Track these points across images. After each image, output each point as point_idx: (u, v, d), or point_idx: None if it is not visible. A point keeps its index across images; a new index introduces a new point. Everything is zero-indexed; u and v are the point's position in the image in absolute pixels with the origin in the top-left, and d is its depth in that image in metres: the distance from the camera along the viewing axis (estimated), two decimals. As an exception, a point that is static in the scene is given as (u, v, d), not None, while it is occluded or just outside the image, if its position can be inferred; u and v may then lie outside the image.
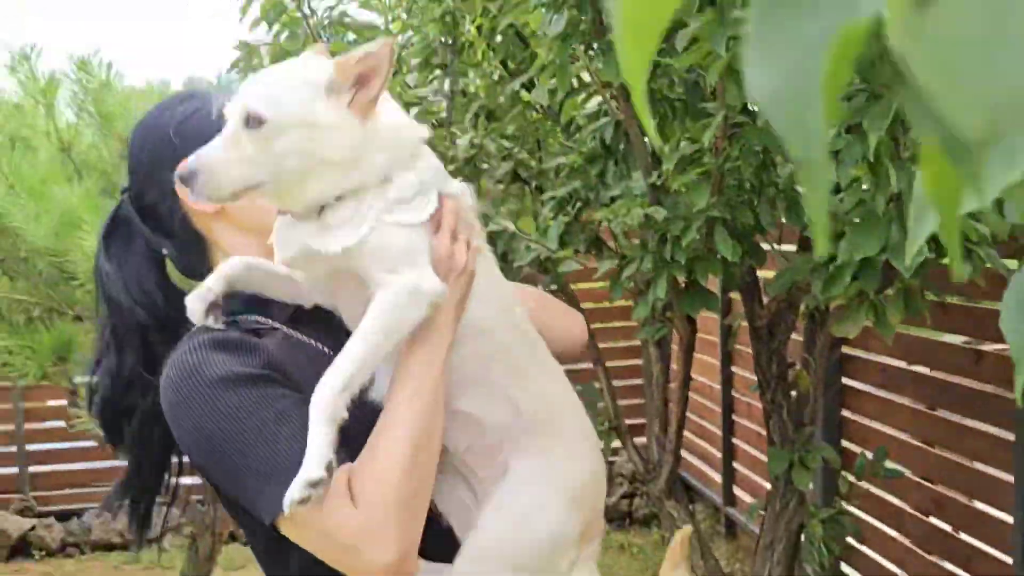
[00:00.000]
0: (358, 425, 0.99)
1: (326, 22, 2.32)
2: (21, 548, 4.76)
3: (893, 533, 3.13)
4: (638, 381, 5.11)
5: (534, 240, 2.14)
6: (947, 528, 2.87)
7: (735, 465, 4.55)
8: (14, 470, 4.93)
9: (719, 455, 4.63)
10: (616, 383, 2.81)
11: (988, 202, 0.29)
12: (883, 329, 1.75)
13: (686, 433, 3.57)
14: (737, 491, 4.55)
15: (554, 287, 2.77)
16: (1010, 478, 2.54)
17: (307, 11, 2.15)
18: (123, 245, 1.21)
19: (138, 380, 1.19)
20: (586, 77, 2.38)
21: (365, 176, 1.00)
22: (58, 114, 2.66)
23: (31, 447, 4.96)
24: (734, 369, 4.47)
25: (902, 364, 3.10)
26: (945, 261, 1.67)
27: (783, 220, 2.04)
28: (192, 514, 3.19)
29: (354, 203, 1.00)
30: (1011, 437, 2.53)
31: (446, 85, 2.72)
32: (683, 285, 2.11)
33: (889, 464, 2.74)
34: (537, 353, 1.14)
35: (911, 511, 3.03)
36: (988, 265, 1.71)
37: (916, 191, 0.39)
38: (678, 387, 2.44)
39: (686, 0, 1.41)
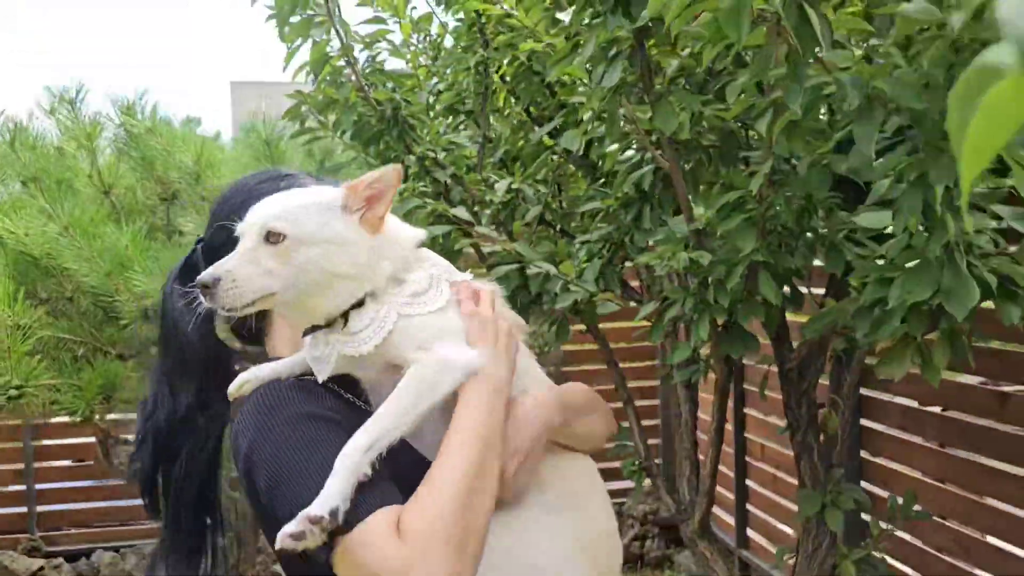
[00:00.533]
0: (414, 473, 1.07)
1: (367, 71, 2.39)
2: (30, 589, 4.71)
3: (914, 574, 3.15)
4: (654, 421, 5.14)
5: (574, 283, 2.18)
6: (970, 569, 2.88)
7: (748, 507, 4.55)
8: (23, 509, 4.89)
9: (732, 497, 4.64)
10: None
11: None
12: (929, 372, 1.79)
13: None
14: (751, 533, 4.54)
15: (582, 328, 2.82)
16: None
17: (351, 60, 2.22)
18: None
19: (192, 419, 1.25)
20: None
21: (376, 284, 1.13)
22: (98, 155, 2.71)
23: (40, 486, 4.93)
24: (747, 411, 4.50)
25: (915, 403, 3.14)
26: (986, 305, 1.72)
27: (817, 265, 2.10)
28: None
29: (375, 306, 1.13)
30: (1038, 478, 2.57)
31: (474, 131, 2.79)
32: (723, 327, 2.15)
33: (916, 507, 2.77)
34: None
35: (934, 552, 3.05)
36: None
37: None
38: (713, 428, 2.46)
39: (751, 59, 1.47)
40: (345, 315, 1.13)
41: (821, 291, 2.44)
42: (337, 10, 2.17)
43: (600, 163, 2.98)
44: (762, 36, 1.40)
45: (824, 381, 2.69)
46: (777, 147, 1.78)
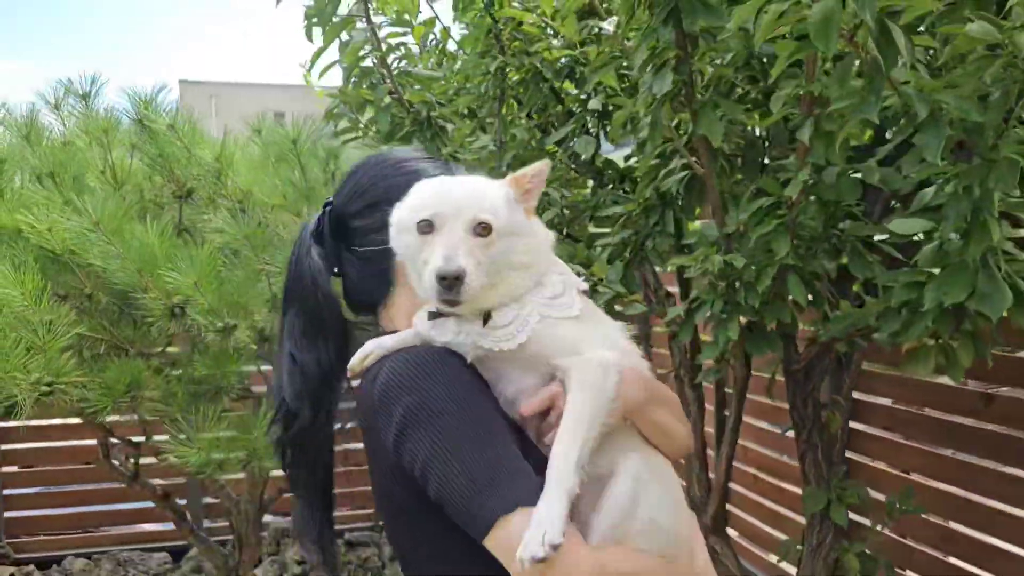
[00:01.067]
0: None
1: (396, 74, 2.42)
2: (-2, 597, 4.58)
3: (906, 572, 3.27)
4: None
5: (604, 284, 2.24)
6: (960, 564, 3.02)
7: (728, 507, 4.66)
8: (-10, 516, 4.75)
9: (711, 498, 4.74)
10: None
11: None
12: (953, 370, 1.89)
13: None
14: (731, 532, 4.65)
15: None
16: (1022, 513, 2.72)
17: (385, 63, 2.25)
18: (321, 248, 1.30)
19: (332, 376, 1.24)
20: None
21: (534, 279, 1.16)
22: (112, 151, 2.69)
23: (8, 491, 4.80)
24: (727, 413, 4.60)
25: (902, 405, 3.28)
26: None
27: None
28: (214, 557, 3.15)
29: (517, 305, 1.15)
30: (1023, 474, 2.71)
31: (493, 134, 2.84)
32: (747, 328, 2.23)
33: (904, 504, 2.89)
34: None
35: (922, 548, 3.18)
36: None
37: None
38: (730, 427, 2.55)
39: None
40: (488, 313, 1.14)
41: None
42: (371, 14, 2.20)
43: (606, 169, 3.06)
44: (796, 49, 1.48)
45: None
46: (812, 155, 1.86)
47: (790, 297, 2.10)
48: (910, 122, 1.40)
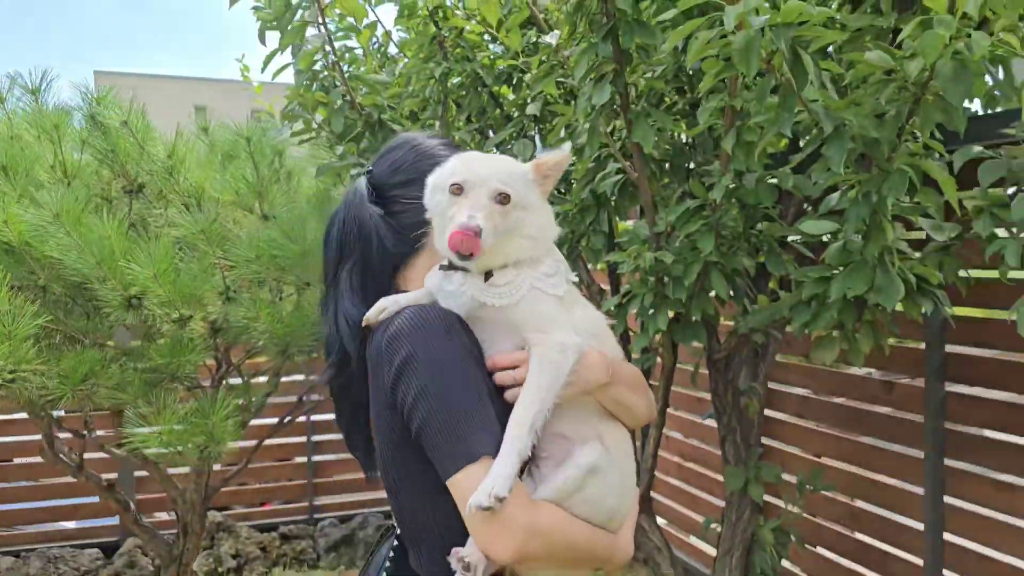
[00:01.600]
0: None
1: (348, 77, 2.54)
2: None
3: (816, 547, 3.54)
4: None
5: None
6: (864, 538, 3.30)
7: (652, 495, 4.90)
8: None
9: (637, 486, 4.97)
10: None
11: None
12: (855, 356, 2.12)
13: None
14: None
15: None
16: (920, 490, 3.00)
17: (339, 67, 2.37)
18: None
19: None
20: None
21: (538, 250, 1.33)
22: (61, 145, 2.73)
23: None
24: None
25: (807, 393, 3.55)
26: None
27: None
28: (159, 547, 3.21)
29: (514, 271, 1.32)
30: (920, 455, 2.99)
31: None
32: (675, 319, 2.43)
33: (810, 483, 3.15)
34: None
35: (829, 525, 3.46)
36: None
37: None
38: (657, 409, 2.74)
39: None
40: (489, 273, 1.30)
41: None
42: (325, 20, 2.31)
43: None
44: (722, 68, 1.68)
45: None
46: (734, 163, 2.07)
47: (713, 292, 2.31)
48: (818, 135, 1.60)
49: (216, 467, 3.38)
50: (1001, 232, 1.79)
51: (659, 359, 2.71)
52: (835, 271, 2.03)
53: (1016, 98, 1.80)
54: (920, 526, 3.00)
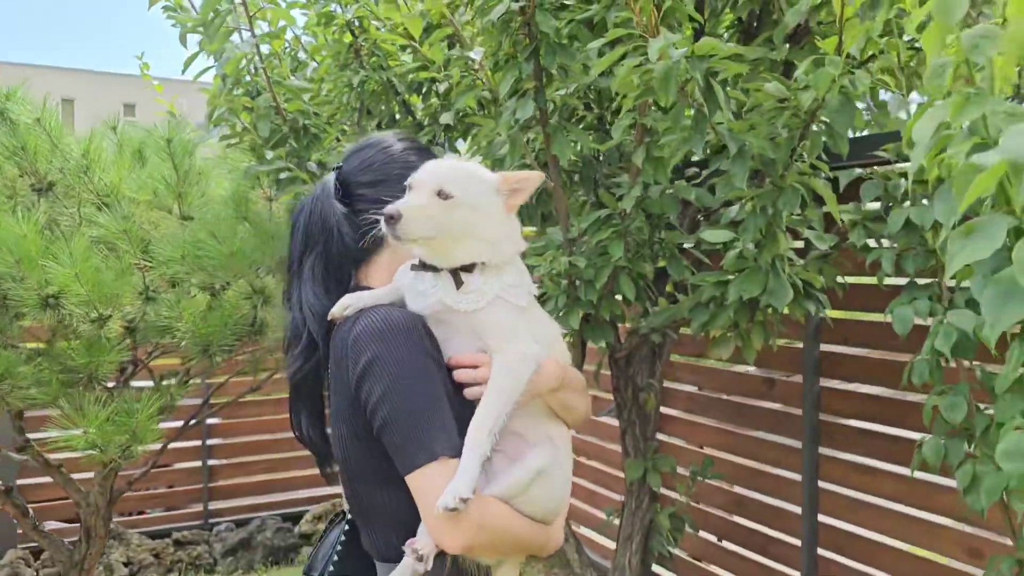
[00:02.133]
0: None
1: (272, 82, 2.59)
2: None
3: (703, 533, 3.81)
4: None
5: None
6: (747, 523, 3.57)
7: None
8: None
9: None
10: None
11: None
12: (748, 352, 2.35)
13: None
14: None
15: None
16: (798, 477, 3.29)
17: (266, 72, 2.42)
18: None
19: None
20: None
21: (496, 256, 1.44)
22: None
23: None
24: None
25: (693, 389, 3.82)
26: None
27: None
28: (60, 553, 3.14)
29: (481, 278, 1.43)
30: (798, 445, 3.29)
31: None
32: (585, 319, 2.61)
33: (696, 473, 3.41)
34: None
35: (714, 511, 3.72)
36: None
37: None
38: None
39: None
40: (456, 273, 1.40)
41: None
42: (251, 25, 2.37)
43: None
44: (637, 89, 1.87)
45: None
46: (643, 175, 2.26)
47: (619, 295, 2.50)
48: (716, 154, 1.80)
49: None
50: (871, 242, 2.04)
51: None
52: (731, 276, 2.25)
53: (887, 124, 2.06)
54: (798, 510, 3.30)
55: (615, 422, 3.73)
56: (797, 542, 3.31)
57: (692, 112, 1.72)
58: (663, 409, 4.06)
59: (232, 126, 2.46)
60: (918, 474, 2.98)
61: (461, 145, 3.20)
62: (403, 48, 3.25)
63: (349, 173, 1.57)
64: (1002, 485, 1.48)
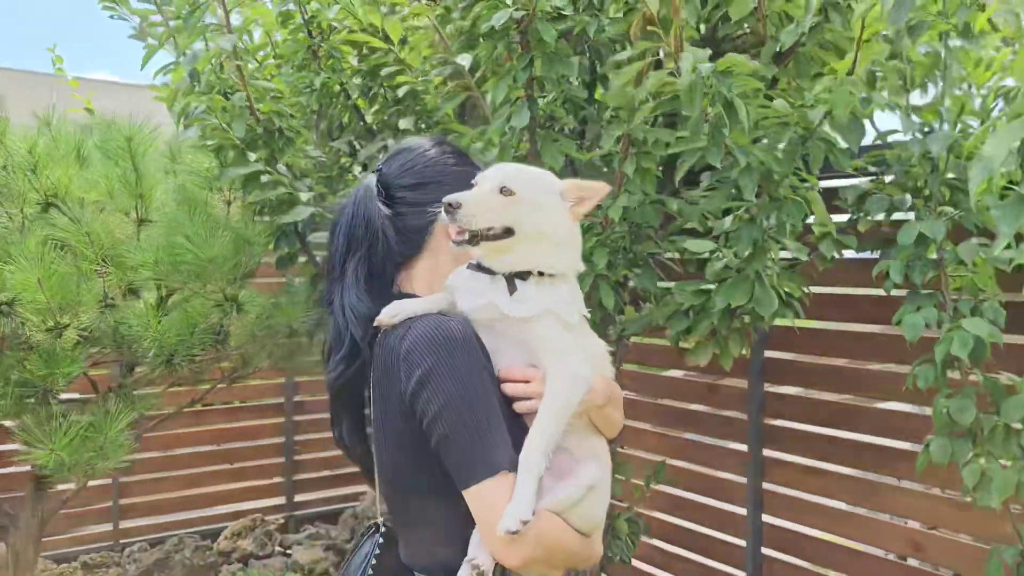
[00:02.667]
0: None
1: (231, 82, 2.50)
2: None
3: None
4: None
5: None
6: (688, 525, 3.67)
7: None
8: None
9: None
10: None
11: None
12: (725, 359, 2.42)
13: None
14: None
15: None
16: (743, 480, 3.41)
17: (242, 71, 2.33)
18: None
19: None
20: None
21: (555, 265, 1.44)
22: None
23: None
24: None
25: (639, 396, 3.91)
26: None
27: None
28: None
29: (535, 287, 1.43)
30: (744, 448, 3.41)
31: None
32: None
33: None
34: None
35: (656, 514, 3.81)
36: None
37: None
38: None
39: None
40: (511, 278, 1.39)
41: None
42: (228, 22, 2.28)
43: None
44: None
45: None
46: (628, 185, 2.30)
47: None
48: (732, 167, 1.85)
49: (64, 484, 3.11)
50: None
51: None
52: (711, 285, 2.32)
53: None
54: (743, 511, 3.41)
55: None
56: (742, 542, 3.43)
57: (707, 125, 1.76)
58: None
59: (210, 126, 2.34)
60: (860, 473, 3.17)
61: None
62: (362, 50, 3.17)
63: (389, 175, 1.55)
64: (1012, 482, 1.58)
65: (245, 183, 2.43)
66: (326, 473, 5.47)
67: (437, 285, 1.52)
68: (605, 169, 2.41)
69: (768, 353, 3.35)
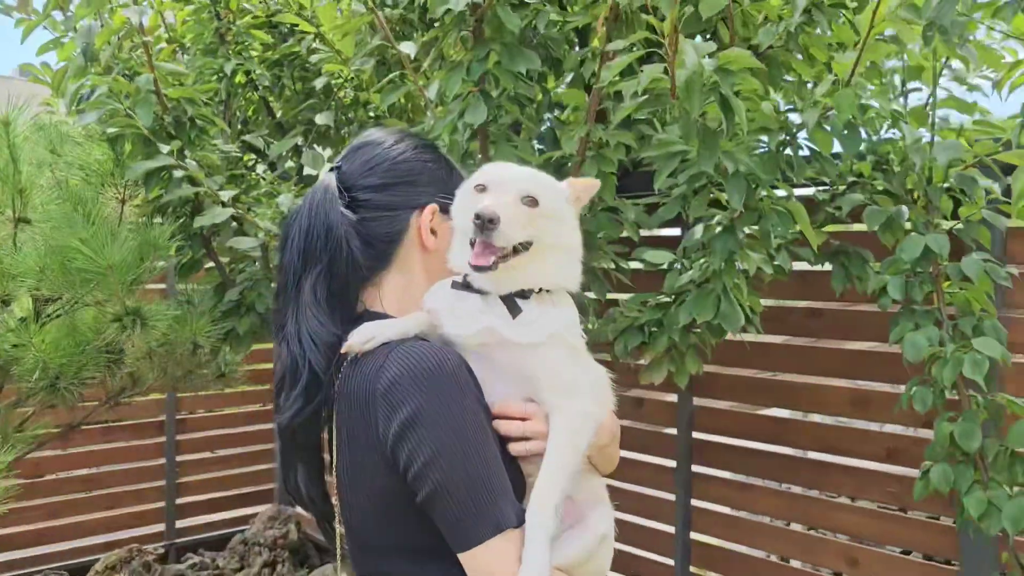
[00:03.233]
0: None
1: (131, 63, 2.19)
2: None
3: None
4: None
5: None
6: (617, 545, 3.53)
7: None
8: None
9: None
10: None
11: None
12: (680, 375, 2.28)
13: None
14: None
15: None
16: (672, 497, 3.30)
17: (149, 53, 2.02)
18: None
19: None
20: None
21: (569, 275, 1.25)
22: None
23: None
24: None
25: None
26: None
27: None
28: None
29: (538, 308, 1.22)
30: (673, 464, 3.30)
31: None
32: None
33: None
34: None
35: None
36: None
37: None
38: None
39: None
40: (512, 299, 1.18)
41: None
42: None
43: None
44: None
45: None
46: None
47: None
48: (721, 174, 1.71)
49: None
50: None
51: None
52: (667, 298, 2.18)
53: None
54: (672, 529, 3.31)
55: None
56: (670, 561, 3.32)
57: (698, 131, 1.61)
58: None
59: (109, 111, 2.00)
60: (793, 488, 3.12)
61: (324, 152, 2.91)
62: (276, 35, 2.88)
63: (351, 174, 1.29)
64: (1024, 511, 1.50)
65: (147, 179, 2.10)
66: (212, 495, 5.06)
67: (409, 303, 1.29)
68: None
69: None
